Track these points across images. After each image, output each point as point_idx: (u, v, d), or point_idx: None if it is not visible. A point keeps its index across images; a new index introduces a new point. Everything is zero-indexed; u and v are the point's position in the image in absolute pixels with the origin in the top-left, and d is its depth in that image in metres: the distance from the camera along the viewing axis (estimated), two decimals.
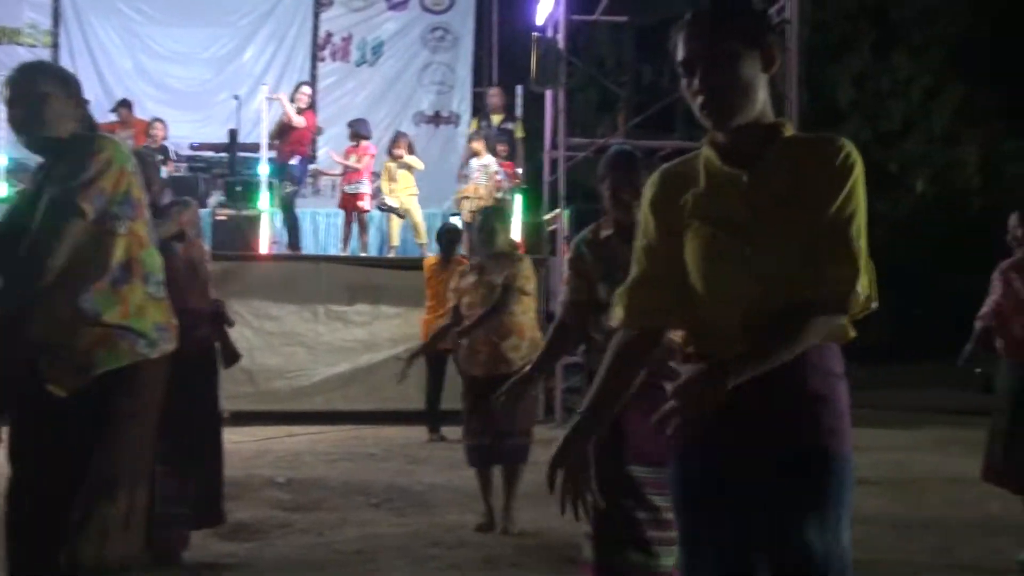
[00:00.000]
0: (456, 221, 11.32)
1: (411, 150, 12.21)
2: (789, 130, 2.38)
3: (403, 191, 12.05)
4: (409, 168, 12.06)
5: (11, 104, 3.31)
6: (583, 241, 4.25)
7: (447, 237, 9.56)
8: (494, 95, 13.28)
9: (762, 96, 2.34)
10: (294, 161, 12.08)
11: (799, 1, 11.99)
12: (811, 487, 2.27)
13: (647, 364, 2.57)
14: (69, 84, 3.39)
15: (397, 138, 12.36)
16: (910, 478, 7.90)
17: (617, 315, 2.50)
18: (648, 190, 2.48)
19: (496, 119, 12.90)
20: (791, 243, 2.24)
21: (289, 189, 11.94)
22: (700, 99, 2.31)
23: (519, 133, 12.91)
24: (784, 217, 2.26)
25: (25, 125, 3.30)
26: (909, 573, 5.28)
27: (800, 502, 2.26)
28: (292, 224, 12.18)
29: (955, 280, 22.14)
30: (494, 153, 12.15)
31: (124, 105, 12.99)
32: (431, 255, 10.30)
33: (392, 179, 12.05)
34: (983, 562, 5.51)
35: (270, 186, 11.84)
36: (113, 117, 12.70)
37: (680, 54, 2.35)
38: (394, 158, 12.07)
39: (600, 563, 4.06)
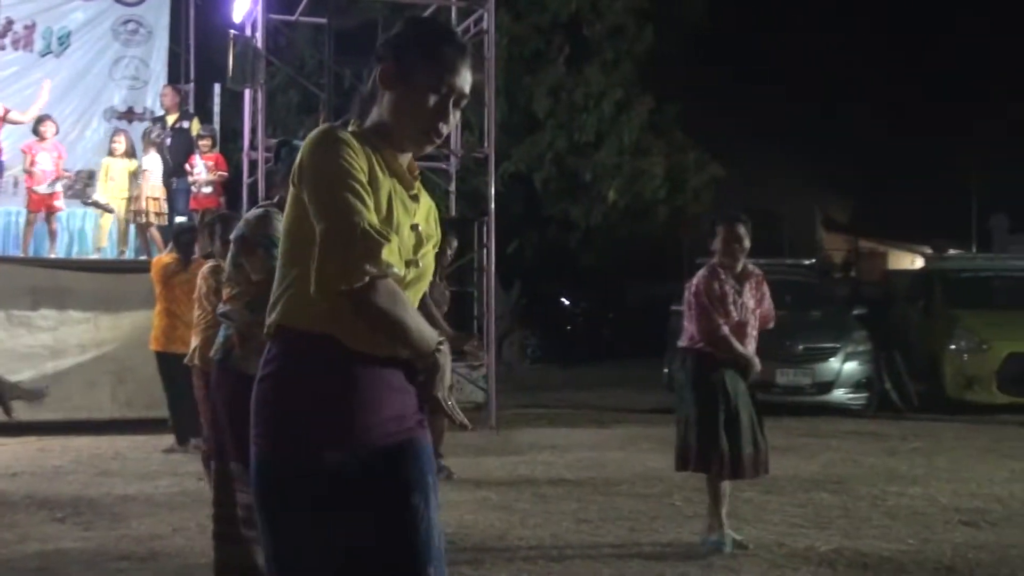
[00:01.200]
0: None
1: (132, 149, 11.78)
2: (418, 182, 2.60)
3: (118, 194, 11.58)
4: (133, 172, 11.65)
5: None
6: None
7: (186, 238, 8.99)
8: (166, 95, 12.98)
9: None
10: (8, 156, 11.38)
11: (496, 14, 12.32)
12: (411, 474, 2.44)
13: None
14: None
15: (116, 134, 11.90)
16: (603, 475, 8.21)
17: (386, 257, 2.34)
18: (351, 141, 2.40)
19: (171, 119, 12.56)
20: (427, 247, 2.53)
21: None
22: (443, 128, 2.49)
23: (194, 131, 12.54)
24: (426, 229, 2.54)
25: None
26: (597, 566, 5.48)
27: (406, 487, 2.42)
28: None
29: (643, 285, 23.37)
30: (194, 148, 11.89)
31: None
32: (163, 255, 9.62)
33: (110, 178, 11.57)
34: (668, 550, 5.78)
35: None
36: None
37: (463, 83, 2.49)
38: (113, 154, 11.66)
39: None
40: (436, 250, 2.62)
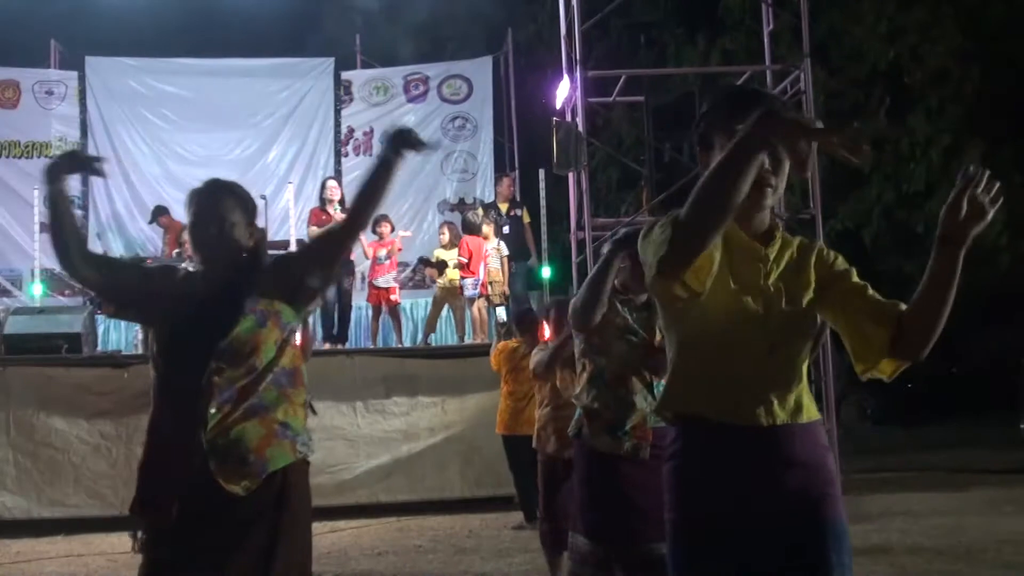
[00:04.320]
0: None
1: (456, 239, 12.53)
2: (780, 234, 2.65)
3: (448, 282, 12.25)
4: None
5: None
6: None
7: (529, 320, 9.01)
8: (506, 184, 13.51)
9: None
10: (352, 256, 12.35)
11: (812, 71, 12.17)
12: (811, 552, 2.45)
13: None
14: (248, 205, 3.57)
15: (442, 225, 12.70)
16: (964, 542, 7.78)
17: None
18: None
19: (503, 207, 13.10)
20: (796, 308, 2.55)
21: (347, 284, 12.16)
22: (764, 190, 2.54)
23: (526, 219, 13.11)
24: (793, 288, 2.57)
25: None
26: None
27: (800, 567, 2.44)
28: (345, 316, 12.36)
29: (988, 337, 22.03)
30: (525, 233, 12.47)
31: (162, 212, 13.31)
32: (507, 341, 9.70)
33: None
34: None
35: None
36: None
37: None
38: (442, 245, 12.50)
39: None
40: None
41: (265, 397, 3.27)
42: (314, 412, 3.47)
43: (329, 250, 3.55)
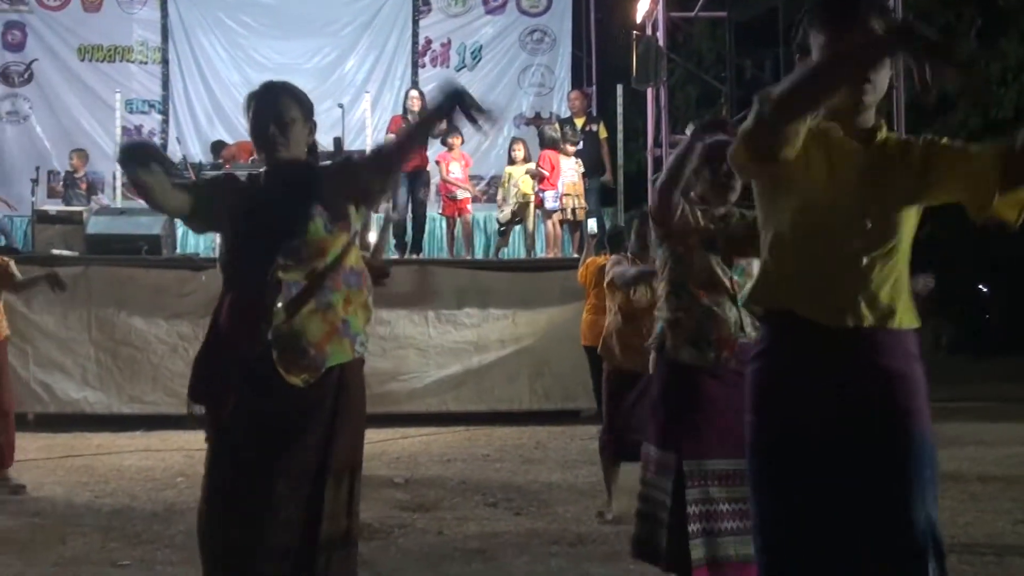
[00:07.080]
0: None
1: (529, 155, 12.31)
2: (884, 132, 2.59)
3: (522, 198, 12.12)
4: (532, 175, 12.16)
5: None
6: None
7: (620, 239, 9.00)
8: (576, 98, 13.31)
9: None
10: (429, 167, 12.33)
11: None
12: (890, 461, 2.44)
13: None
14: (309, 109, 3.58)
15: (515, 143, 12.48)
16: None
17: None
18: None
19: (579, 122, 12.93)
20: (889, 210, 2.52)
21: (422, 195, 12.16)
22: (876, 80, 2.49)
23: (603, 134, 12.92)
24: (888, 190, 2.53)
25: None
26: None
27: (881, 475, 2.43)
28: (419, 227, 12.39)
29: None
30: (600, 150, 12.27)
31: (222, 147, 13.46)
32: (596, 257, 9.67)
33: (513, 184, 12.12)
34: None
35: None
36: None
37: None
38: (514, 162, 12.23)
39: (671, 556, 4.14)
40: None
41: (330, 295, 3.35)
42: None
43: (382, 166, 3.55)
